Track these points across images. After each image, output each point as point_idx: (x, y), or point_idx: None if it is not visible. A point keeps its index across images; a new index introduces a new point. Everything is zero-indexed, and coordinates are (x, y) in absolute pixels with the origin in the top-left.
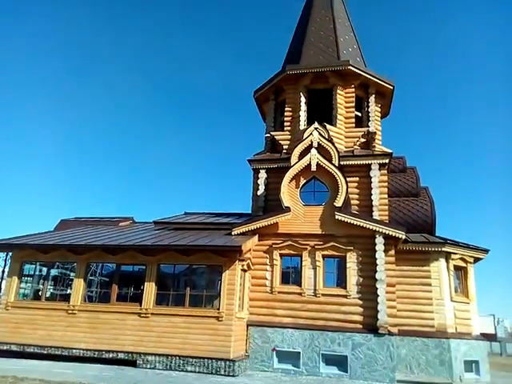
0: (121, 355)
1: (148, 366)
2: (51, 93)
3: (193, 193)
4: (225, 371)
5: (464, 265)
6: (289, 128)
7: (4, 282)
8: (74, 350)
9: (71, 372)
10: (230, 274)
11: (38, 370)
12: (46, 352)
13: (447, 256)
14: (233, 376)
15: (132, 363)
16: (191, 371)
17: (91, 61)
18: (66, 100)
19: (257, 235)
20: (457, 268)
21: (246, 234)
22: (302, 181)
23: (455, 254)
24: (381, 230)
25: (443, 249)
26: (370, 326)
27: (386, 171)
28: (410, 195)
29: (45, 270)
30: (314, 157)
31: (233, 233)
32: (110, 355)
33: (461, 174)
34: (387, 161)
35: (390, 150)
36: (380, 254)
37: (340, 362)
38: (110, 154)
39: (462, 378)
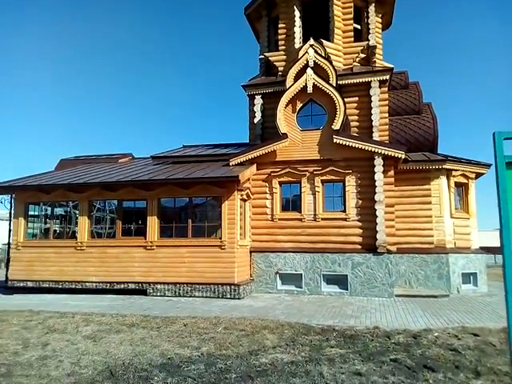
0: (131, 285)
1: (158, 294)
2: (48, 33)
3: (192, 126)
4: (230, 295)
5: (465, 181)
6: (283, 47)
7: (12, 224)
8: (86, 284)
9: (85, 303)
10: (230, 204)
11: (54, 304)
12: (60, 286)
13: (448, 173)
14: (238, 299)
15: (143, 292)
16: (199, 296)
17: None
18: (62, 38)
19: (255, 164)
20: (458, 185)
21: (244, 163)
22: (299, 105)
23: (456, 170)
24: (379, 151)
25: (444, 166)
26: (369, 246)
27: (386, 88)
28: (413, 113)
29: (50, 209)
30: (310, 77)
31: (230, 163)
32: (122, 286)
33: (465, 88)
34: (388, 77)
35: (391, 65)
36: (379, 176)
37: (340, 281)
38: (108, 91)
39: (460, 289)
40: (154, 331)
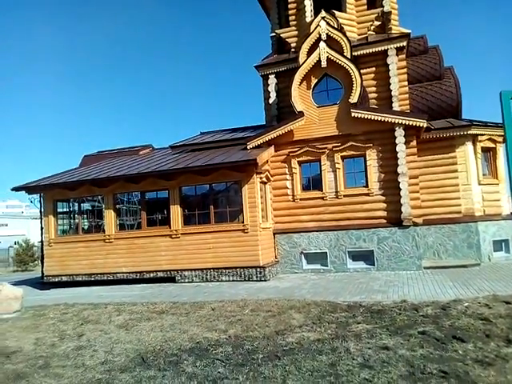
0: (160, 274)
1: (186, 281)
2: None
3: (210, 113)
4: (256, 277)
5: (493, 145)
6: (295, 22)
7: (42, 222)
8: (117, 275)
9: (116, 294)
10: (250, 188)
11: (87, 296)
12: (92, 279)
13: (474, 139)
14: (264, 281)
15: (171, 280)
16: (226, 281)
17: None
18: (77, 27)
19: (272, 146)
20: (485, 150)
21: (261, 146)
22: (314, 80)
23: (483, 135)
24: (400, 122)
25: (469, 132)
26: (395, 220)
27: (404, 55)
28: (433, 78)
29: (77, 205)
30: (323, 51)
31: (248, 147)
32: (151, 275)
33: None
34: (405, 43)
35: (408, 31)
36: (401, 147)
37: (366, 257)
38: (124, 86)
39: (491, 257)
40: (183, 317)
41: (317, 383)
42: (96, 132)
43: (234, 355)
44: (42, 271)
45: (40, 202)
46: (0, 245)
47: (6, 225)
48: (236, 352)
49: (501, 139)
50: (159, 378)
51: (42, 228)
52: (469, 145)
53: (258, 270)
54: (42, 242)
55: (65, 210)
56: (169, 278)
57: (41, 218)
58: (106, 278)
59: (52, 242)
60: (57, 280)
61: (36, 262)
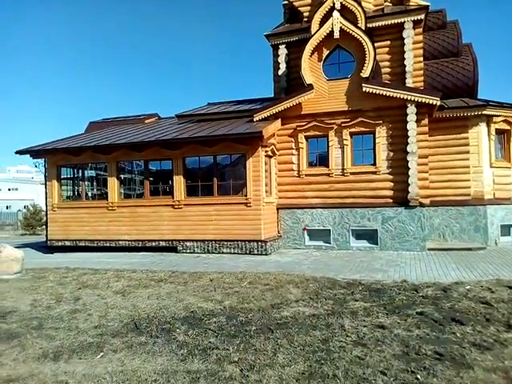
0: (162, 243)
1: (188, 251)
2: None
3: (219, 83)
4: (258, 251)
5: (507, 127)
6: None
7: (46, 186)
8: (119, 242)
9: (118, 260)
10: (254, 161)
11: (89, 261)
12: (95, 245)
13: (488, 120)
14: (265, 255)
15: (173, 249)
16: (227, 253)
17: None
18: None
19: (279, 119)
20: (499, 132)
21: (268, 118)
22: (325, 52)
23: (498, 116)
24: (412, 98)
25: (484, 112)
26: (401, 200)
27: (421, 29)
28: (450, 55)
29: (81, 171)
30: (336, 21)
31: (254, 119)
32: (153, 244)
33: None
34: (423, 16)
35: (426, 3)
36: (412, 125)
37: (370, 236)
38: (133, 53)
39: (498, 241)
40: (180, 286)
41: (307, 358)
42: (103, 100)
43: (227, 326)
44: (47, 235)
45: (45, 166)
46: (10, 209)
47: (17, 189)
48: (229, 323)
49: None
50: (150, 345)
51: (46, 193)
52: (483, 126)
53: (260, 243)
54: (46, 206)
55: (69, 176)
56: (171, 248)
57: (45, 183)
58: (108, 244)
59: (56, 206)
60: (60, 244)
61: (43, 227)
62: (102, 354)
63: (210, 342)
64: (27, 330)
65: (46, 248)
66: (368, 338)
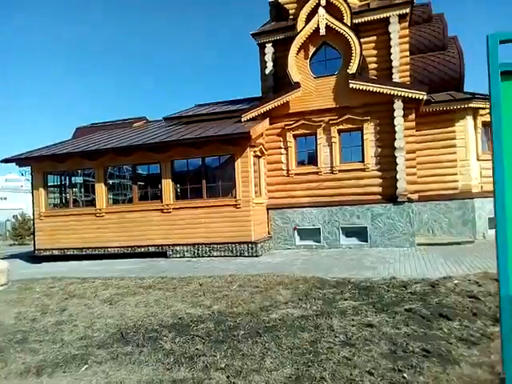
0: (152, 248)
1: (178, 256)
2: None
3: (208, 85)
4: (248, 253)
5: None
6: None
7: (33, 195)
8: (108, 249)
9: (106, 268)
10: (243, 162)
11: (77, 270)
12: (84, 253)
13: (475, 113)
14: (256, 256)
15: (163, 254)
16: (217, 256)
17: None
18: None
19: (267, 119)
20: (486, 124)
21: (256, 118)
22: (312, 50)
23: (484, 109)
24: (399, 94)
25: (470, 105)
26: (390, 196)
27: (406, 24)
28: (436, 49)
29: (68, 178)
30: (322, 18)
31: (242, 119)
32: (142, 250)
33: None
34: (408, 10)
35: None
36: (399, 121)
37: (360, 233)
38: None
39: (486, 234)
40: (169, 292)
41: (295, 361)
42: (91, 105)
43: (214, 332)
44: (34, 245)
45: (31, 174)
46: None
47: (5, 198)
48: (217, 328)
49: None
50: (136, 355)
51: (33, 201)
52: (469, 119)
53: (250, 245)
54: (33, 215)
55: (56, 183)
56: (160, 253)
57: (32, 191)
58: (97, 252)
59: (43, 215)
60: (48, 254)
61: (32, 236)
62: (86, 366)
63: (197, 349)
64: (10, 345)
65: (34, 258)
66: (356, 338)
